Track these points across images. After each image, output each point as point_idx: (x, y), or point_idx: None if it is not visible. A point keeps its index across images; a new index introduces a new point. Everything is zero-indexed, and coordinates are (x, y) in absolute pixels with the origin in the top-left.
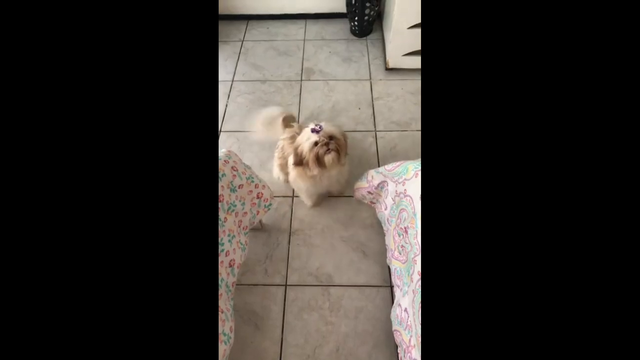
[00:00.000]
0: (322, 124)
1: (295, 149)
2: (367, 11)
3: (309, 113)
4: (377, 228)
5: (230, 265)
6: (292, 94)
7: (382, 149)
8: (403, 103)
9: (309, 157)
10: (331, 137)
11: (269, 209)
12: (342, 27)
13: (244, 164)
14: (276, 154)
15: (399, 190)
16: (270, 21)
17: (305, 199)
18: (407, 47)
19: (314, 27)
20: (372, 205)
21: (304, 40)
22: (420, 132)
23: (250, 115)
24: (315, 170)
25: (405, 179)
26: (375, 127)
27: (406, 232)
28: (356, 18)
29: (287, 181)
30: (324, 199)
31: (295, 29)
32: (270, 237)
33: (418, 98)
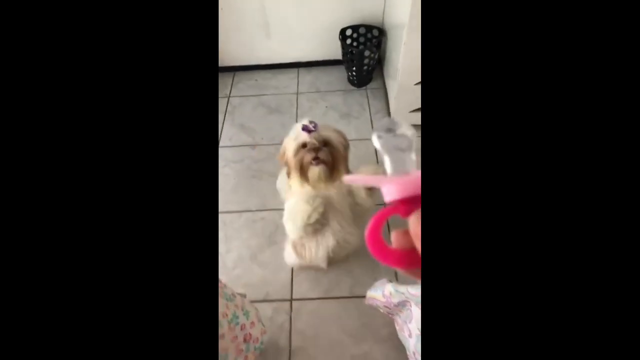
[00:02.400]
0: (318, 123)
1: (282, 152)
2: (366, 61)
3: None
4: (396, 342)
5: None
6: None
7: (395, 227)
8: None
9: (292, 161)
10: (326, 144)
11: (260, 350)
12: (338, 76)
13: (230, 292)
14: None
15: None
16: (258, 72)
17: (292, 234)
18: (415, 103)
19: (307, 77)
20: (390, 317)
21: (297, 93)
22: None
23: (239, 190)
24: (295, 180)
25: None
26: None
27: None
28: (354, 68)
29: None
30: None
31: (287, 80)
32: None
33: None
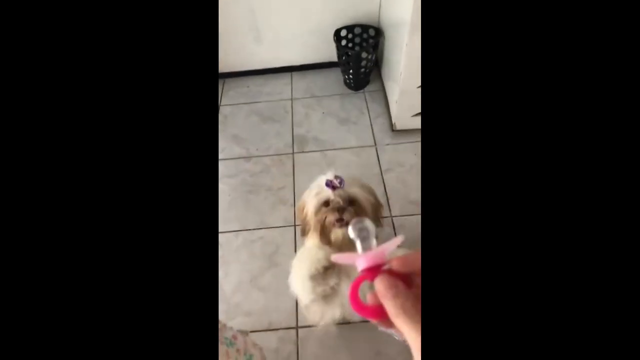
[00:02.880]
0: (344, 177)
1: (300, 208)
2: (363, 62)
3: None
4: None
5: None
6: (284, 173)
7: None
8: (418, 174)
9: (312, 221)
10: (352, 202)
11: None
12: (334, 79)
13: (230, 334)
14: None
15: None
16: (250, 78)
17: (305, 303)
18: (417, 107)
19: (301, 81)
20: (405, 344)
21: (292, 99)
22: None
23: (235, 207)
24: (315, 239)
25: None
26: (390, 211)
27: None
28: (351, 70)
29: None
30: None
31: (281, 86)
32: None
33: None
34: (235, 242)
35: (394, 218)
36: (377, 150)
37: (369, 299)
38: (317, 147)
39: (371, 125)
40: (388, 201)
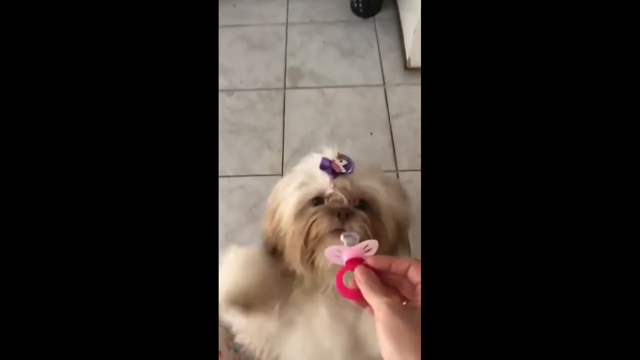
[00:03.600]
0: (353, 160)
1: (269, 204)
2: None
3: (298, 144)
4: None
5: None
6: (272, 112)
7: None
8: None
9: (289, 231)
10: (364, 204)
11: None
12: (338, 2)
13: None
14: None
15: None
16: None
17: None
18: None
19: (299, 3)
20: None
21: (287, 24)
22: None
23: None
24: (297, 266)
25: None
26: (396, 164)
27: None
28: None
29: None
30: None
31: (274, 7)
32: None
33: None
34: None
35: (400, 173)
36: (385, 91)
37: (350, 285)
38: (314, 83)
39: (380, 60)
40: (395, 152)
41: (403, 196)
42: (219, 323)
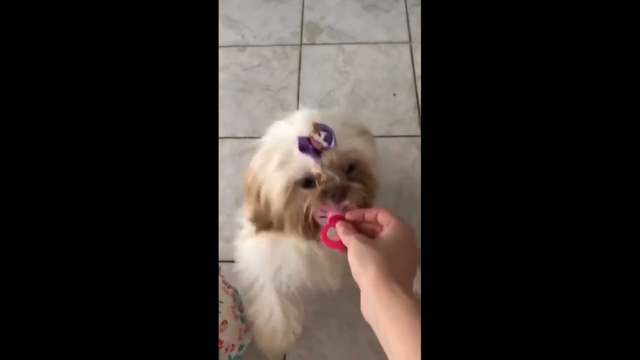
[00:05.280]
0: (328, 127)
1: (249, 186)
2: None
3: (314, 105)
4: None
5: None
6: (287, 69)
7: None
8: None
9: (288, 217)
10: (352, 167)
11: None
12: None
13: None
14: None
15: None
16: None
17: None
18: None
19: None
20: None
21: None
22: None
23: (222, 109)
24: (298, 234)
25: None
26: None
27: None
28: None
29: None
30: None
31: None
32: None
33: None
34: (220, 152)
35: None
36: (411, 49)
37: (333, 237)
38: (333, 39)
39: (407, 14)
40: (420, 116)
41: (371, 140)
42: (227, 290)
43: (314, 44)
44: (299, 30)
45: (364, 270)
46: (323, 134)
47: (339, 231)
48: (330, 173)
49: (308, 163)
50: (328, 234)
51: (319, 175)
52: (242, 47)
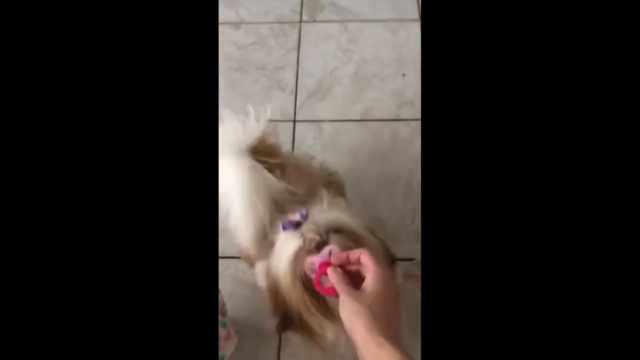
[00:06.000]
0: (303, 211)
1: (272, 291)
2: None
3: (315, 85)
4: None
5: None
6: (285, 48)
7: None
8: None
9: (293, 291)
10: (337, 231)
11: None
12: None
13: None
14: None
15: None
16: None
17: None
18: None
19: None
20: None
21: None
22: None
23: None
24: (321, 325)
25: None
26: None
27: None
28: None
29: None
30: None
31: None
32: None
33: None
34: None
35: None
36: (422, 27)
37: (327, 285)
38: (336, 16)
39: None
40: None
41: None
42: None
43: (314, 21)
44: (299, 6)
45: (353, 326)
46: (297, 214)
47: (332, 278)
48: (311, 235)
49: (297, 240)
50: (321, 280)
51: (304, 240)
52: (237, 24)
